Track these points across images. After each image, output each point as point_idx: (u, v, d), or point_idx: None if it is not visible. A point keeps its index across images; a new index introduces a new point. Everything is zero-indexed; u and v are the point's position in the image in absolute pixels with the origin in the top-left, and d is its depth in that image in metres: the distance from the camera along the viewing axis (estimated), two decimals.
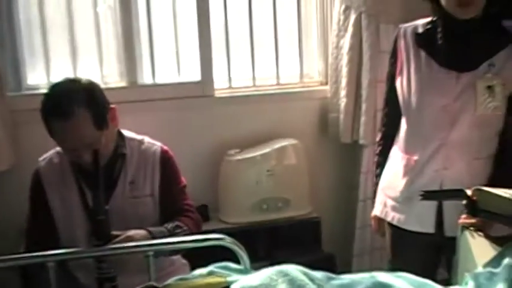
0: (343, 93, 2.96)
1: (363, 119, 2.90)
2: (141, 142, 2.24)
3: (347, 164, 3.14)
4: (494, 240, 1.65)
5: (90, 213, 1.99)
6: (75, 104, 1.98)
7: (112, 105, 2.12)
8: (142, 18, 2.89)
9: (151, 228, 2.04)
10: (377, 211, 2.24)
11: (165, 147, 2.26)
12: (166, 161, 2.23)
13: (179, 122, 2.92)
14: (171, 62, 2.97)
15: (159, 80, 2.95)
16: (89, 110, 2.00)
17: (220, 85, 3.02)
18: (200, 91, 2.95)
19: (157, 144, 2.26)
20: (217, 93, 2.99)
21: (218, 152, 2.93)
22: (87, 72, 2.78)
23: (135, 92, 2.86)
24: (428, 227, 2.06)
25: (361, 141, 2.92)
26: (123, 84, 2.89)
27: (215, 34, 2.96)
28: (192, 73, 2.97)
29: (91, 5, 2.83)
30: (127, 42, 2.85)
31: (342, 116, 2.98)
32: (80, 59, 2.85)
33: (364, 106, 2.89)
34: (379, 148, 2.26)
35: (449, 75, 1.98)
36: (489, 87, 1.93)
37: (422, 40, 2.03)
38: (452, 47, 1.97)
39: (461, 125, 1.97)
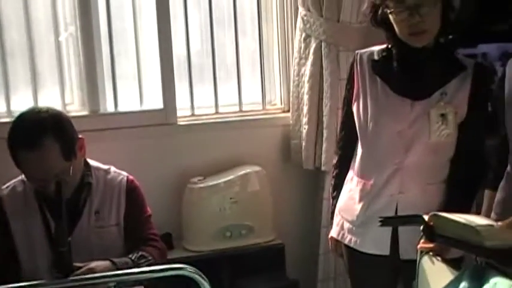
0: (304, 120, 2.99)
1: (324, 145, 2.93)
2: (107, 172, 2.24)
3: (310, 190, 3.16)
4: (452, 264, 1.69)
5: (53, 244, 1.97)
6: (43, 135, 1.98)
7: (80, 136, 2.12)
8: (104, 47, 2.89)
9: (115, 259, 2.03)
10: (334, 233, 2.27)
11: (131, 177, 2.27)
12: (132, 190, 2.24)
13: (142, 150, 2.91)
14: (133, 90, 2.97)
15: (122, 108, 2.95)
16: (58, 141, 2.00)
17: (183, 113, 3.02)
18: (163, 119, 2.95)
19: (124, 174, 2.26)
20: (180, 121, 2.99)
21: (181, 180, 2.93)
22: (49, 100, 2.76)
23: (97, 121, 2.84)
24: (384, 250, 2.09)
25: (323, 168, 2.96)
26: (85, 112, 2.88)
27: (177, 61, 2.98)
28: (155, 101, 2.97)
29: (52, 33, 2.82)
30: (89, 70, 2.85)
31: (304, 143, 3.01)
32: (41, 87, 2.83)
33: (325, 133, 2.92)
34: (336, 171, 2.29)
35: (404, 102, 2.02)
36: (442, 115, 1.99)
37: (378, 67, 2.08)
38: (406, 75, 2.02)
39: (415, 150, 2.02)
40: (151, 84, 2.98)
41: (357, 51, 2.19)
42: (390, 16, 1.97)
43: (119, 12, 2.92)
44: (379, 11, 2.00)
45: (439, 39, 2.03)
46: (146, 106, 2.98)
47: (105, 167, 2.28)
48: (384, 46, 2.10)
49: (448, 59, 2.04)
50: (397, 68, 2.04)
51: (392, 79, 2.04)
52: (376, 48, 2.14)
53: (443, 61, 2.03)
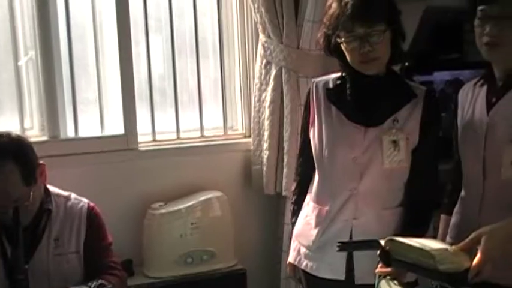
0: (265, 145, 3.02)
1: (285, 171, 2.95)
2: (67, 198, 2.23)
3: (271, 215, 3.17)
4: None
5: (10, 271, 1.94)
6: (3, 160, 1.96)
7: (41, 162, 2.10)
8: (65, 71, 2.87)
9: None
10: (291, 258, 2.28)
11: (92, 204, 2.25)
12: (92, 218, 2.23)
13: (102, 175, 2.89)
14: (94, 115, 2.96)
15: (82, 133, 2.93)
16: (18, 166, 1.99)
17: (144, 138, 3.02)
18: (124, 144, 2.94)
19: (84, 201, 2.25)
20: (141, 147, 2.99)
21: (142, 206, 2.92)
22: (7, 125, 2.72)
23: (57, 146, 2.81)
24: (339, 274, 2.11)
25: (284, 193, 2.97)
26: (44, 138, 2.85)
27: (139, 86, 2.99)
28: (116, 126, 2.96)
29: (12, 58, 2.80)
30: (49, 95, 2.82)
31: (265, 168, 3.03)
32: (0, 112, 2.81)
33: (286, 158, 2.95)
34: (294, 197, 2.32)
35: (358, 129, 2.07)
36: (394, 141, 2.03)
37: (332, 95, 2.12)
38: (360, 102, 2.07)
39: (369, 176, 2.05)
40: (112, 109, 2.98)
41: (313, 80, 2.23)
42: (342, 45, 2.01)
43: (80, 36, 2.91)
44: (332, 40, 2.04)
45: (391, 67, 2.08)
46: (107, 131, 2.96)
47: (66, 193, 2.26)
48: (339, 74, 2.15)
49: (399, 86, 2.09)
50: (351, 95, 2.08)
51: (346, 107, 2.09)
52: (332, 76, 2.18)
53: (395, 88, 2.08)
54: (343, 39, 1.99)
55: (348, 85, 2.09)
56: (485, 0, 1.93)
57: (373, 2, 1.96)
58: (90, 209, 2.24)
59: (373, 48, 1.96)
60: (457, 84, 3.01)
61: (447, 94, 3.05)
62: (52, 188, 2.23)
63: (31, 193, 2.03)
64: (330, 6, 2.04)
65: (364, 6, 1.95)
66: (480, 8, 1.94)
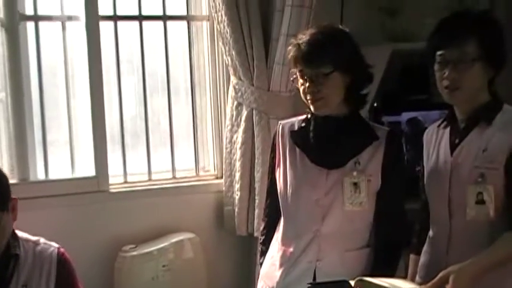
0: (237, 186, 3.02)
1: (256, 211, 2.96)
2: (36, 243, 2.20)
3: (243, 256, 3.16)
4: None
5: None
6: None
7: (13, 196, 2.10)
8: (36, 113, 2.87)
9: None
10: None
11: (62, 249, 2.22)
12: (63, 263, 2.19)
13: (73, 218, 2.86)
14: (65, 157, 2.95)
15: (53, 175, 2.91)
16: None
17: (116, 180, 3.01)
18: (95, 186, 2.93)
19: (54, 246, 2.22)
20: (112, 188, 2.97)
21: (113, 249, 2.89)
22: None
23: (26, 189, 2.78)
24: None
25: (255, 234, 2.97)
26: (14, 180, 2.81)
27: (110, 128, 2.99)
28: (87, 168, 2.95)
29: None
30: (19, 137, 2.82)
31: (236, 209, 3.03)
32: None
33: (257, 199, 2.96)
34: (262, 238, 2.32)
35: (321, 172, 2.09)
36: (355, 183, 2.05)
37: (297, 137, 2.15)
38: (322, 145, 2.10)
39: (332, 218, 2.07)
40: (83, 151, 2.97)
41: (279, 122, 2.27)
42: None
43: (51, 77, 2.92)
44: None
45: (353, 109, 2.12)
46: (78, 173, 2.95)
47: (34, 238, 2.22)
48: (304, 116, 2.18)
49: (362, 128, 2.12)
50: (313, 137, 2.11)
51: (310, 149, 2.11)
52: (298, 118, 2.22)
53: (357, 130, 2.11)
54: (298, 80, 2.06)
55: (311, 127, 2.13)
56: (443, 45, 1.99)
57: (321, 45, 2.01)
58: (61, 255, 2.21)
59: (318, 90, 2.01)
60: (416, 123, 3.08)
61: (406, 133, 3.10)
62: (20, 233, 2.20)
63: (2, 224, 2.01)
64: (290, 45, 2.10)
65: (312, 48, 2.00)
66: (439, 52, 2.00)
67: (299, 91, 2.12)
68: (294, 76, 2.10)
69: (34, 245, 2.19)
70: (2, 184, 2.09)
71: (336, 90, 2.05)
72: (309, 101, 2.06)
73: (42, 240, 2.22)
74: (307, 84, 2.03)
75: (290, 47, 2.08)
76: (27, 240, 2.19)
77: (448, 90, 2.00)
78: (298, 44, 2.03)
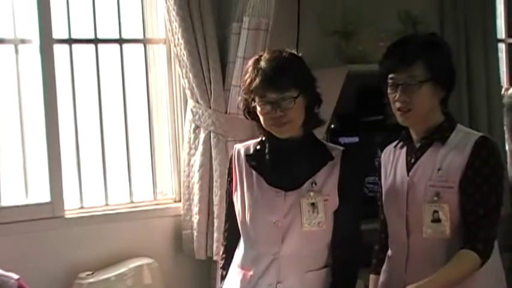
0: (195, 210, 3.00)
1: (215, 235, 2.93)
2: None
3: (203, 280, 3.12)
4: None
5: None
6: None
7: None
8: None
9: None
10: None
11: (21, 281, 2.19)
12: None
13: (27, 245, 2.79)
14: (18, 183, 2.88)
15: (5, 202, 2.84)
16: None
17: (71, 205, 2.95)
18: (50, 212, 2.86)
19: (14, 278, 2.19)
20: (68, 214, 2.91)
21: (69, 276, 2.82)
22: None
23: None
24: None
25: (215, 258, 2.94)
26: None
27: (65, 152, 2.93)
28: (41, 194, 2.89)
29: None
30: None
31: (195, 233, 3.00)
32: None
33: (216, 222, 2.93)
34: (222, 262, 2.31)
35: (278, 194, 2.09)
36: (312, 204, 2.06)
37: (253, 160, 2.15)
38: (278, 167, 2.11)
39: (291, 240, 2.07)
40: (37, 176, 2.90)
41: (235, 146, 2.27)
42: (256, 109, 2.07)
43: (3, 100, 2.86)
44: (249, 104, 2.10)
45: (308, 130, 2.13)
46: (32, 199, 2.88)
47: None
48: (259, 139, 2.19)
49: (316, 149, 2.14)
50: (269, 160, 2.12)
51: (266, 171, 2.12)
52: (253, 141, 2.22)
53: (312, 151, 2.12)
54: (256, 104, 2.06)
55: (266, 150, 2.13)
56: (392, 69, 2.04)
57: (285, 69, 2.03)
58: (20, 287, 2.18)
59: (285, 113, 2.02)
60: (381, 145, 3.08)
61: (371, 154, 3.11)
62: None
63: None
64: (246, 72, 2.10)
65: (276, 72, 2.01)
66: (390, 76, 2.05)
67: (252, 119, 2.11)
68: (248, 105, 2.09)
69: None
70: None
71: (300, 113, 2.06)
72: (273, 126, 2.06)
73: (0, 271, 2.17)
74: (272, 110, 2.02)
75: (247, 75, 2.08)
76: None
77: (400, 112, 2.05)
78: (258, 71, 2.03)
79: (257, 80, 2.03)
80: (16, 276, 2.20)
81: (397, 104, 2.04)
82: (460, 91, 3.56)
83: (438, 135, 2.06)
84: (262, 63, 2.05)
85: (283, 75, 2.02)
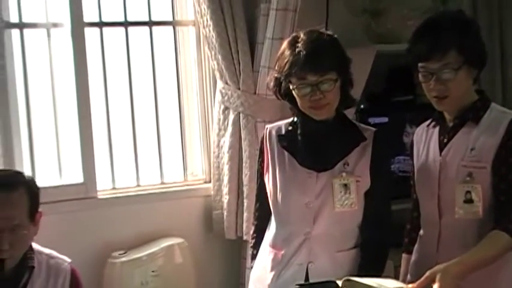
0: (225, 190, 3.03)
1: (245, 215, 2.96)
2: (49, 256, 2.26)
3: (233, 260, 3.16)
4: None
5: None
6: (18, 184, 2.12)
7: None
8: (22, 121, 2.85)
9: None
10: None
11: (73, 266, 2.27)
12: (75, 280, 2.24)
13: (61, 225, 2.83)
14: (52, 164, 2.93)
15: (40, 182, 2.87)
16: (28, 195, 2.12)
17: (104, 186, 3.00)
18: (83, 193, 2.91)
19: (67, 261, 2.27)
20: (101, 195, 2.96)
21: (103, 255, 2.87)
22: None
23: None
24: None
25: (245, 237, 2.97)
26: None
27: (97, 134, 2.97)
28: (74, 175, 2.94)
29: None
30: (5, 144, 2.79)
31: (225, 213, 3.03)
32: None
33: (246, 202, 2.96)
34: (253, 241, 2.33)
35: (310, 175, 2.10)
36: (345, 185, 2.07)
37: (285, 141, 2.16)
38: (311, 148, 2.11)
39: (323, 220, 2.08)
40: (70, 157, 2.95)
41: (266, 126, 2.27)
42: (293, 91, 2.06)
43: (36, 84, 2.90)
44: (283, 85, 2.09)
45: (340, 111, 2.13)
46: (65, 180, 2.94)
47: (47, 251, 2.26)
48: (290, 120, 2.19)
49: (349, 130, 2.14)
50: (302, 141, 2.12)
51: (298, 152, 2.12)
52: (285, 121, 2.22)
53: (344, 132, 2.12)
54: (295, 86, 2.05)
55: (298, 131, 2.13)
56: (424, 58, 1.99)
57: (325, 51, 2.02)
58: (73, 271, 2.26)
59: (324, 96, 2.02)
60: (412, 125, 3.04)
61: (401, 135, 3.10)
62: (34, 245, 2.22)
63: (26, 232, 2.08)
64: (282, 53, 2.08)
65: (317, 55, 2.00)
66: (420, 65, 2.01)
67: (284, 99, 2.11)
68: (282, 86, 2.08)
69: (47, 258, 2.23)
70: (37, 194, 2.19)
71: (338, 96, 2.06)
72: (311, 109, 2.06)
73: (54, 253, 2.27)
74: (310, 92, 2.02)
75: (284, 57, 2.05)
76: (40, 253, 2.23)
77: (437, 99, 2.02)
78: (298, 53, 2.01)
79: (297, 62, 2.00)
80: (69, 260, 2.27)
81: (433, 93, 2.00)
82: (493, 70, 3.50)
83: (472, 115, 2.03)
84: (301, 45, 2.02)
85: (324, 57, 2.00)
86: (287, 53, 2.05)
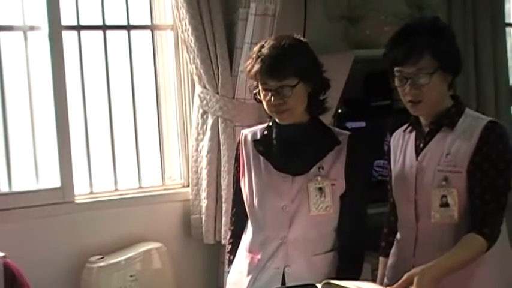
0: (204, 194, 3.03)
1: (223, 219, 2.96)
2: None
3: (211, 264, 3.16)
4: None
5: None
6: None
7: None
8: None
9: None
10: None
11: (8, 259, 2.18)
12: (13, 275, 2.17)
13: (38, 230, 2.82)
14: (29, 168, 2.91)
15: (16, 187, 2.87)
16: None
17: (81, 190, 2.98)
18: (60, 197, 2.89)
19: None
20: (78, 199, 2.94)
21: (80, 260, 2.85)
22: None
23: None
24: None
25: (223, 242, 2.97)
26: None
27: (74, 138, 2.95)
28: (51, 179, 2.91)
29: None
30: None
31: (204, 218, 3.03)
32: None
33: (224, 207, 2.96)
34: (229, 247, 2.33)
35: (286, 179, 2.12)
36: (320, 189, 2.08)
37: (260, 145, 2.17)
38: (285, 152, 2.12)
39: (298, 224, 2.10)
40: (47, 162, 2.93)
41: (242, 131, 2.29)
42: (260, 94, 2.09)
43: (13, 87, 2.88)
44: (257, 90, 2.12)
45: (314, 115, 2.15)
46: (42, 185, 2.91)
47: None
48: (266, 125, 2.20)
49: (323, 134, 2.15)
50: (277, 145, 2.14)
51: (273, 156, 2.14)
52: (260, 126, 2.24)
53: (318, 136, 2.14)
54: (259, 90, 2.08)
55: (273, 135, 2.15)
56: (399, 63, 2.02)
57: (285, 58, 2.03)
58: (7, 264, 2.19)
59: (284, 101, 2.04)
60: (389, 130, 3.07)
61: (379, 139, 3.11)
62: None
63: None
64: (250, 57, 2.11)
65: (275, 61, 2.02)
66: (396, 69, 2.03)
67: (261, 102, 2.13)
68: (257, 89, 2.11)
69: None
70: None
71: (301, 100, 2.08)
72: (274, 113, 2.08)
73: None
74: (271, 97, 2.04)
75: (249, 61, 2.08)
76: None
77: (411, 103, 2.04)
78: (259, 58, 2.04)
79: (257, 67, 2.04)
80: (1, 254, 2.20)
81: (408, 97, 2.03)
82: (467, 76, 3.56)
83: (447, 121, 2.06)
84: (264, 50, 2.05)
85: (282, 63, 2.02)
86: (253, 57, 2.08)
